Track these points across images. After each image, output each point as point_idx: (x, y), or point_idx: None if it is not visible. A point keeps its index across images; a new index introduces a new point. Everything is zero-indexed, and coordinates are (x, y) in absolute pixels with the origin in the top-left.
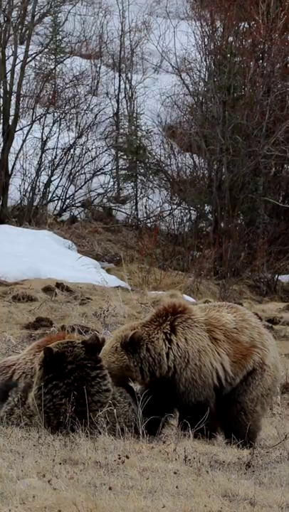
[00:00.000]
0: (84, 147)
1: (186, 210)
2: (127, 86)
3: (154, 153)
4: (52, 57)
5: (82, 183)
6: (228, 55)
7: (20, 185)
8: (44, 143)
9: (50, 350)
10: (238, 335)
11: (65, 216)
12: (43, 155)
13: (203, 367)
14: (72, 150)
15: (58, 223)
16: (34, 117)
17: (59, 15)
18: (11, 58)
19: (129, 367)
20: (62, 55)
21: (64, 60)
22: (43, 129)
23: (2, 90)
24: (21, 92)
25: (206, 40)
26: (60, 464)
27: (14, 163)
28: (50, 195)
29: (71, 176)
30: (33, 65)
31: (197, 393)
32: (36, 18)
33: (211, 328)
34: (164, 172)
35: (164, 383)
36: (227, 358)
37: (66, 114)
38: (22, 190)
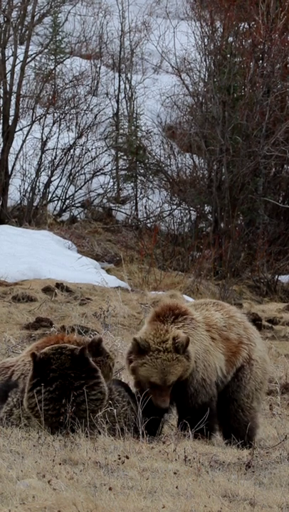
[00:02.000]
0: (84, 147)
1: (186, 211)
2: (127, 86)
3: (154, 154)
4: (52, 57)
5: (82, 184)
6: (228, 56)
7: (20, 186)
8: (44, 143)
9: (33, 355)
10: (227, 333)
11: (65, 216)
12: (43, 155)
13: (208, 367)
14: (72, 150)
15: (58, 223)
16: (34, 118)
17: (59, 15)
18: (11, 58)
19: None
20: (62, 55)
21: (64, 60)
22: (42, 129)
23: (2, 90)
24: (21, 92)
25: (205, 40)
26: (60, 464)
27: (14, 164)
28: (50, 195)
29: (71, 177)
30: (33, 66)
31: (204, 393)
32: (36, 18)
33: (208, 327)
34: (164, 172)
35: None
36: (222, 356)
37: (66, 114)
38: (22, 190)
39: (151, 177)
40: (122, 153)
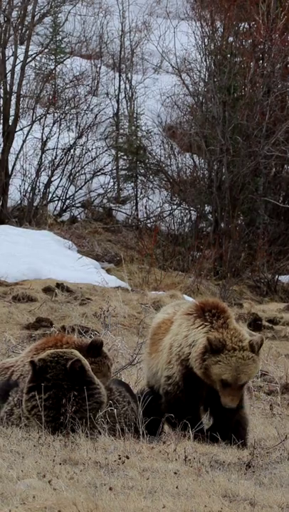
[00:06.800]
0: (84, 147)
1: (186, 211)
2: (127, 86)
3: (154, 154)
4: (52, 57)
5: (83, 184)
6: (228, 56)
7: (20, 186)
8: (44, 143)
9: (33, 364)
10: None
11: (65, 216)
12: (43, 155)
13: None
14: (72, 150)
15: (58, 223)
16: (34, 118)
17: (59, 15)
18: (11, 58)
19: None
20: (62, 55)
21: (64, 60)
22: (43, 129)
23: (2, 90)
24: (21, 92)
25: (206, 40)
26: (60, 464)
27: (14, 164)
28: (50, 195)
29: (71, 177)
30: (33, 66)
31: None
32: (36, 18)
33: None
34: (164, 172)
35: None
36: None
37: (66, 114)
38: (22, 190)
39: (151, 177)
40: (123, 153)
